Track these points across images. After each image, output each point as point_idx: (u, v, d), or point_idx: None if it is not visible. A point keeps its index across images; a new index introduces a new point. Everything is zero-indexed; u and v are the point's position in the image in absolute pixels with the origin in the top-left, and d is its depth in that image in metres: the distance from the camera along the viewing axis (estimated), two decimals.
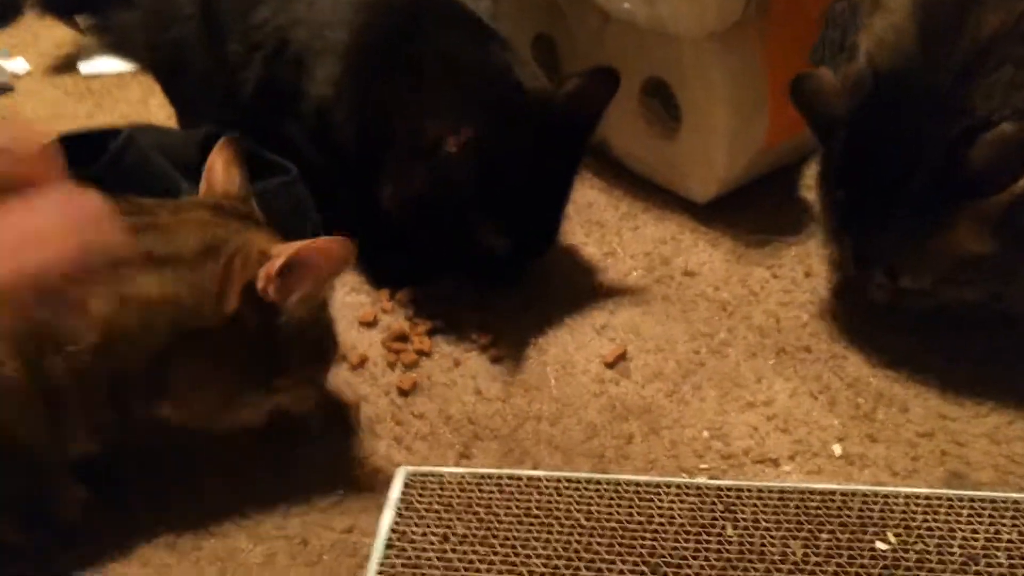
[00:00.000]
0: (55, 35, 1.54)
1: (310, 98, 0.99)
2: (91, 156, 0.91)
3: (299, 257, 0.69)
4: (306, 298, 0.72)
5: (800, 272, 1.02)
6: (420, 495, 0.73)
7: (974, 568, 0.67)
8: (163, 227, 0.72)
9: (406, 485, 0.74)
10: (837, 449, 0.83)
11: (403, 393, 0.89)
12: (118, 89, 1.43)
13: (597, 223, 1.11)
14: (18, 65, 1.49)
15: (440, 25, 0.95)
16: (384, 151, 0.95)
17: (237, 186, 0.80)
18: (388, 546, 0.69)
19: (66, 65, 1.50)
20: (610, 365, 0.92)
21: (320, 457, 0.83)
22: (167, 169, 0.99)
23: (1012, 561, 0.67)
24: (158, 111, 1.32)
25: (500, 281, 0.99)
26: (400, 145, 0.93)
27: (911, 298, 0.87)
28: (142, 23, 1.14)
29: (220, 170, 0.80)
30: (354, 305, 1.00)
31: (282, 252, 0.70)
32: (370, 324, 0.97)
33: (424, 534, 0.70)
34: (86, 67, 1.48)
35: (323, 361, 0.80)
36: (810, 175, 1.11)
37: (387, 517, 0.72)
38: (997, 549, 0.68)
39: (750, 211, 1.09)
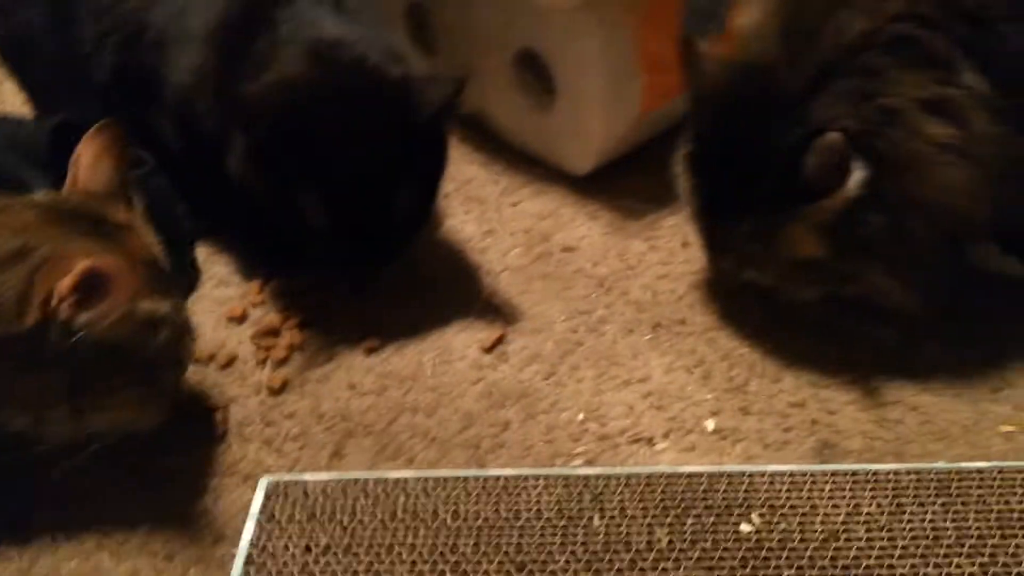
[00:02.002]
0: None
1: (171, 86, 0.94)
2: None
3: (94, 272, 0.65)
4: (107, 318, 0.67)
5: (677, 243, 1.01)
6: (282, 505, 0.72)
7: (834, 544, 0.68)
8: None
9: (267, 495, 0.72)
10: (710, 424, 0.83)
11: (273, 392, 0.87)
12: None
13: (477, 199, 1.09)
14: None
15: (296, 6, 0.91)
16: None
17: (104, 182, 0.76)
18: (248, 560, 0.68)
19: None
20: (488, 350, 0.91)
21: (186, 465, 0.81)
22: (15, 163, 0.94)
23: (870, 534, 0.68)
24: (12, 97, 1.25)
25: (338, 274, 0.95)
26: (239, 119, 0.89)
27: (757, 289, 0.88)
28: None
29: (86, 164, 0.76)
30: (222, 299, 0.96)
31: (77, 268, 0.65)
32: (239, 319, 0.94)
33: (286, 546, 0.69)
34: None
35: (148, 382, 0.74)
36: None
37: (248, 529, 0.70)
38: (856, 523, 0.69)
39: (628, 182, 1.08)
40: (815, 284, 0.85)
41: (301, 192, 0.87)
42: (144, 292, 0.70)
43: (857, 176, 0.75)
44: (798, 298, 0.86)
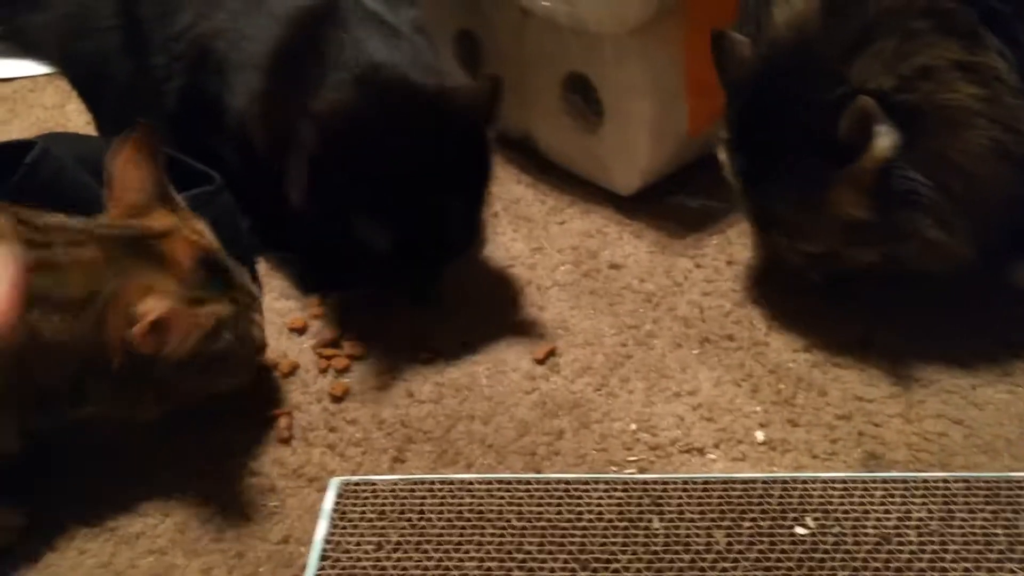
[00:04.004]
0: None
1: (231, 111, 0.98)
2: (5, 168, 0.90)
3: (161, 322, 0.71)
4: (180, 347, 0.73)
5: (722, 261, 1.04)
6: (353, 504, 0.74)
7: (887, 548, 0.70)
8: (57, 266, 0.73)
9: (339, 495, 0.75)
10: (760, 435, 0.86)
11: (335, 399, 0.90)
12: (32, 93, 1.39)
13: (524, 218, 1.12)
14: None
15: (346, 32, 0.94)
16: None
17: (144, 191, 0.79)
18: (323, 557, 0.70)
19: None
20: (540, 362, 0.94)
21: (254, 468, 0.84)
22: (85, 180, 0.97)
23: (922, 539, 0.70)
24: (76, 116, 1.30)
25: (402, 290, 0.98)
26: (295, 146, 0.92)
27: (817, 261, 0.90)
28: (57, 32, 1.11)
29: (125, 177, 0.79)
30: (282, 311, 1.00)
31: (146, 314, 0.70)
32: (300, 330, 0.97)
33: (358, 543, 0.71)
34: None
35: (230, 375, 0.82)
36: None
37: (321, 528, 0.73)
38: (908, 528, 0.71)
39: (672, 202, 1.11)
40: (869, 246, 0.87)
41: (356, 214, 0.90)
42: (204, 319, 0.75)
43: (888, 137, 0.79)
44: (857, 262, 0.88)
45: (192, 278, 0.77)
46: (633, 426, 0.87)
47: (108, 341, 0.72)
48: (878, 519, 0.72)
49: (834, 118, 0.80)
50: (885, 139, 0.79)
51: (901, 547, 0.70)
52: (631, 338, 0.96)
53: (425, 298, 0.98)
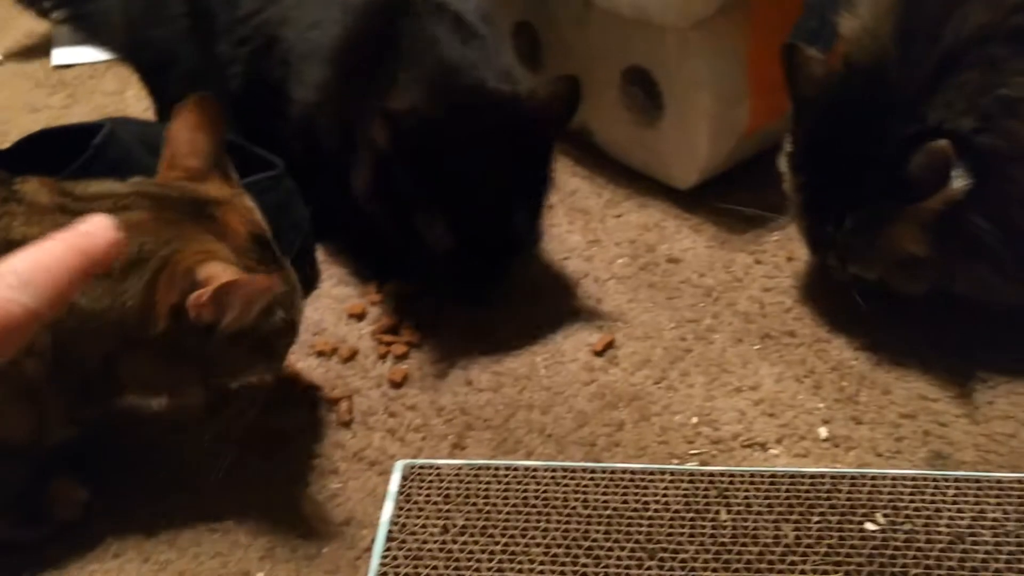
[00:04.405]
0: (25, 24, 1.52)
1: (296, 102, 0.99)
2: (71, 151, 0.91)
3: (227, 288, 0.67)
4: (240, 317, 0.69)
5: (782, 257, 1.03)
6: (418, 487, 0.74)
7: (960, 547, 0.69)
8: None
9: (404, 477, 0.75)
10: (823, 432, 0.85)
11: (395, 385, 0.90)
12: (92, 80, 1.41)
13: (581, 211, 1.12)
14: None
15: (418, 26, 0.94)
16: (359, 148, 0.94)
17: (203, 156, 0.76)
18: (389, 538, 0.70)
19: (37, 55, 1.48)
20: (599, 353, 0.93)
21: (316, 450, 0.84)
22: (149, 163, 0.98)
23: (997, 539, 0.69)
24: (134, 102, 1.31)
25: (461, 289, 0.96)
26: (362, 140, 0.92)
27: (865, 283, 0.89)
28: (125, 18, 1.12)
29: (184, 140, 0.76)
30: (341, 297, 1.00)
31: (210, 280, 0.67)
32: (359, 316, 0.98)
33: (424, 526, 0.71)
34: (58, 57, 1.46)
35: (274, 355, 0.78)
36: None
37: (387, 509, 0.73)
38: (983, 527, 0.70)
39: (732, 197, 1.10)
40: (921, 280, 0.86)
41: (423, 213, 0.89)
42: (265, 291, 0.71)
43: (959, 180, 0.77)
44: (904, 292, 0.87)
45: (247, 250, 0.73)
46: (694, 420, 0.86)
47: (154, 309, 0.68)
48: (951, 518, 0.71)
49: (906, 154, 0.78)
50: (956, 183, 0.77)
51: (976, 546, 0.69)
52: (691, 332, 0.95)
53: (482, 298, 0.97)
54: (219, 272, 0.67)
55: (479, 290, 0.96)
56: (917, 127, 0.79)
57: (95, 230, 0.39)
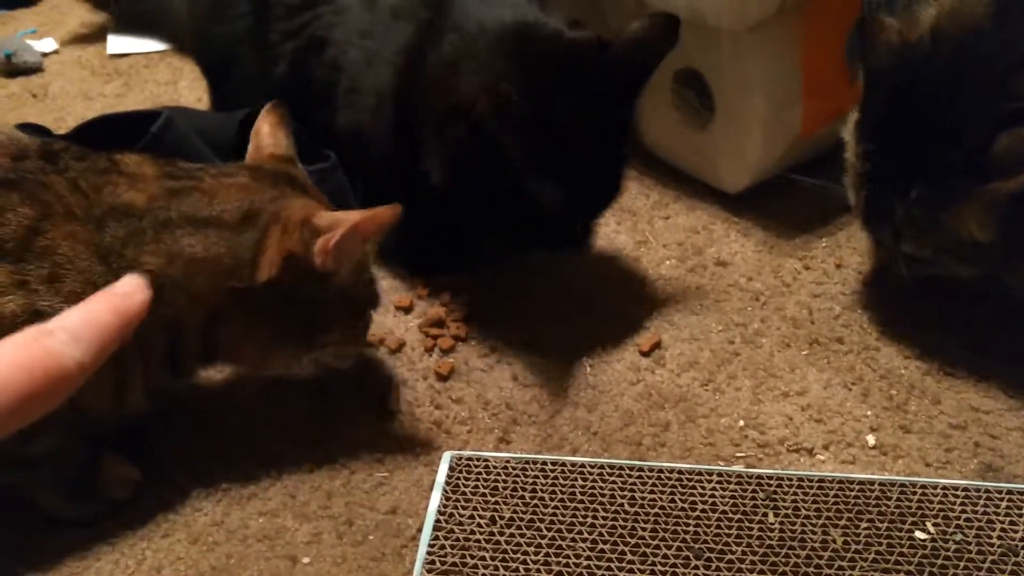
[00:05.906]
0: (82, 14, 1.55)
1: (346, 120, 0.99)
2: (128, 138, 0.92)
3: (355, 230, 0.71)
4: (355, 263, 0.74)
5: (831, 263, 1.03)
6: (465, 478, 0.75)
7: (1014, 560, 0.68)
8: (205, 190, 0.74)
9: (452, 468, 0.75)
10: (871, 439, 0.84)
11: (441, 378, 0.90)
12: (146, 69, 1.43)
13: (629, 211, 1.12)
14: (46, 45, 1.50)
15: (457, 6, 0.94)
16: (422, 142, 0.94)
17: (283, 147, 0.82)
18: (436, 527, 0.71)
19: (94, 45, 1.51)
20: (645, 353, 0.93)
21: (362, 440, 0.84)
22: (204, 151, 0.99)
23: None
24: (187, 92, 1.33)
25: (564, 244, 0.94)
26: (437, 117, 0.90)
27: (909, 262, 0.87)
28: (193, 15, 1.13)
29: (267, 132, 0.82)
30: (389, 290, 1.01)
31: (337, 225, 0.71)
32: (406, 309, 0.98)
33: (471, 516, 0.71)
34: (114, 46, 1.48)
35: (364, 317, 0.82)
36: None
37: (435, 499, 0.73)
38: None
39: (781, 201, 1.10)
40: (974, 265, 0.84)
41: (534, 177, 0.86)
42: (385, 214, 0.75)
43: None
44: (952, 273, 0.85)
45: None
46: (741, 423, 0.86)
47: (265, 259, 0.72)
48: (1003, 529, 0.70)
49: (991, 132, 0.76)
50: None
51: None
52: (738, 335, 0.95)
53: (583, 249, 0.96)
54: (341, 217, 0.72)
55: (580, 242, 0.95)
56: (1010, 106, 0.77)
57: (131, 291, 0.45)
